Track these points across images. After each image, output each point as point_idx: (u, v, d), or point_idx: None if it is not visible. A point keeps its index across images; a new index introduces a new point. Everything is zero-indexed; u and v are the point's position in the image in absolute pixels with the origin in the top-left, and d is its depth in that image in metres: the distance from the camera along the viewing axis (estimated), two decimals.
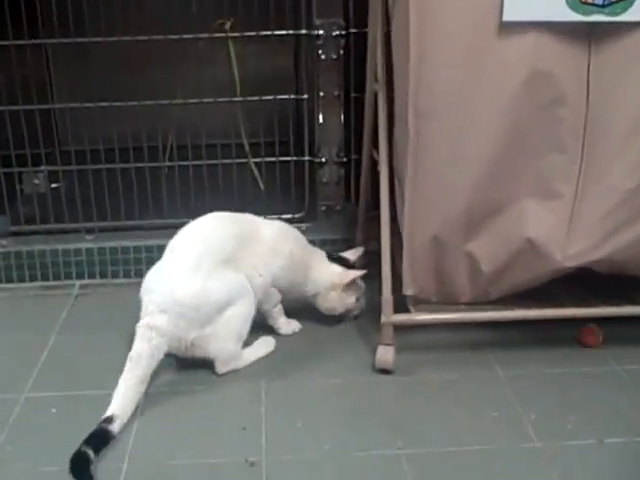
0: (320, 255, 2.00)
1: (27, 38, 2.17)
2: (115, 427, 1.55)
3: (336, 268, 1.97)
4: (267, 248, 1.88)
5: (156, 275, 1.79)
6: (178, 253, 1.79)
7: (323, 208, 2.33)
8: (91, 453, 1.48)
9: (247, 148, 2.33)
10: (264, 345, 1.87)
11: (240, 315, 1.78)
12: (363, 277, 1.97)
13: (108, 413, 1.57)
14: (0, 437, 1.59)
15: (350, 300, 1.96)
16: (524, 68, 1.61)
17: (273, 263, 1.88)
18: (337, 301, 1.95)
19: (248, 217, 1.95)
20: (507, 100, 1.64)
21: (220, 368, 1.77)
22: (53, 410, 1.67)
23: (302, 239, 1.99)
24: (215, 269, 1.75)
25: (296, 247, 1.94)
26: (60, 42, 2.28)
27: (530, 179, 1.71)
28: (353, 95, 2.26)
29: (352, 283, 1.95)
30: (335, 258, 2.01)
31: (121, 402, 1.60)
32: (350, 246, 2.14)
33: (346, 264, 1.99)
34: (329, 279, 1.94)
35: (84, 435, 1.51)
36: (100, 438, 1.52)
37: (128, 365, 1.65)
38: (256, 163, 2.32)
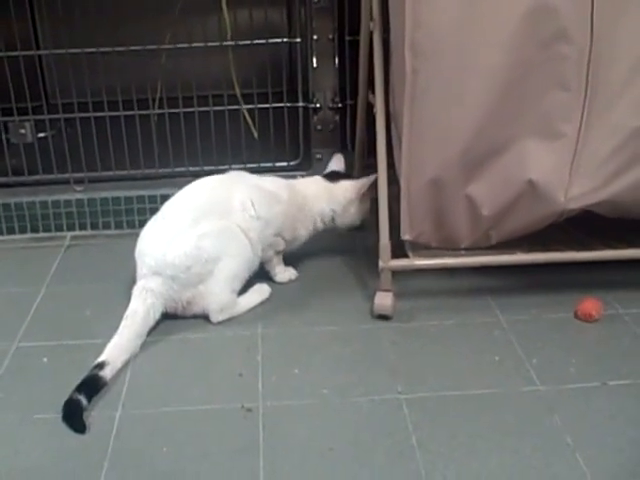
0: (316, 181, 1.99)
1: None
2: (107, 373, 1.53)
3: (343, 184, 1.98)
4: (264, 195, 1.85)
5: (149, 237, 1.76)
6: (169, 216, 1.77)
7: (318, 156, 2.29)
8: (83, 400, 1.46)
9: (239, 94, 2.26)
10: (258, 292, 1.85)
11: (233, 267, 1.76)
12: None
13: (100, 359, 1.55)
14: None
15: (367, 205, 2.00)
16: (524, 1, 1.55)
17: (273, 209, 1.85)
18: (356, 213, 1.99)
19: (237, 173, 1.94)
20: (507, 36, 1.58)
21: (215, 317, 1.75)
22: (45, 359, 1.65)
23: (292, 185, 1.95)
24: (205, 225, 1.73)
25: (290, 192, 1.91)
26: None
27: (531, 119, 1.65)
28: (347, 38, 2.20)
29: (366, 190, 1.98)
30: (333, 176, 2.01)
31: (114, 350, 1.59)
32: None
33: (345, 176, 2.01)
34: (344, 197, 1.97)
35: (77, 383, 1.49)
36: (92, 385, 1.50)
37: (124, 323, 1.64)
38: (249, 110, 2.26)
